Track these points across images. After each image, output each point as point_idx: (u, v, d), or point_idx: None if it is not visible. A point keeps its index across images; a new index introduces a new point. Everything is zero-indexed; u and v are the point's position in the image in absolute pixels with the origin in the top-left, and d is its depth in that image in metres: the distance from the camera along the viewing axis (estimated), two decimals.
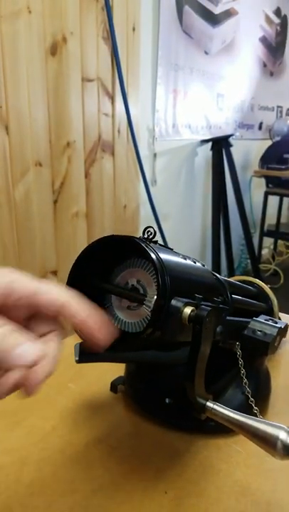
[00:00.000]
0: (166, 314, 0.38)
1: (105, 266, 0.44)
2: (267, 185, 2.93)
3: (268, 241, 3.46)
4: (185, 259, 0.46)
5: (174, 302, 0.38)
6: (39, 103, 1.44)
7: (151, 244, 0.40)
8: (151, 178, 2.15)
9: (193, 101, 2.33)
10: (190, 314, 0.38)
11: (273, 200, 3.13)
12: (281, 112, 3.33)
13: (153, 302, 0.38)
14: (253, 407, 0.54)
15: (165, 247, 0.44)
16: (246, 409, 0.55)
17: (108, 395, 0.60)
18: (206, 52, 2.34)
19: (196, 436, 0.53)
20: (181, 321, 0.38)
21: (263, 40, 2.87)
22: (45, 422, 0.55)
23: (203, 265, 0.50)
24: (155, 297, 0.38)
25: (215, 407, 0.42)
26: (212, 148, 2.52)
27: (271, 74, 3.07)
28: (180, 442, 0.52)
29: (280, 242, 3.54)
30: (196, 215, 2.70)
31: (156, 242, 0.43)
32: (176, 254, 0.45)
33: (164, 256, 0.40)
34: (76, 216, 1.69)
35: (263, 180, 3.00)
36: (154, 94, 2.06)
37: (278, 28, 3.00)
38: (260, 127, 3.09)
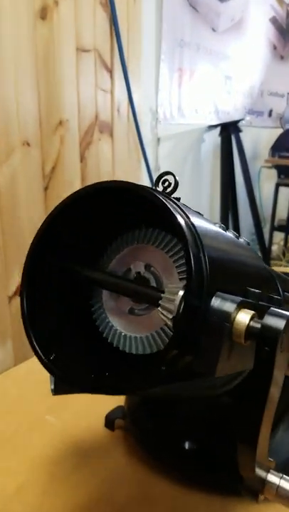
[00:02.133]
0: (203, 324, 0.20)
1: (92, 242, 0.27)
2: (279, 176, 2.76)
3: (278, 236, 3.27)
4: (225, 230, 0.28)
5: (216, 302, 0.20)
6: (26, 73, 1.27)
7: (174, 201, 0.23)
8: (154, 164, 1.96)
9: (200, 82, 2.16)
10: (249, 325, 0.20)
11: (284, 194, 2.95)
12: None
13: (178, 301, 0.20)
14: None
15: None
16: None
17: (102, 433, 0.43)
18: (214, 30, 2.16)
19: (229, 498, 0.36)
20: (230, 338, 0.20)
21: (274, 21, 2.70)
22: (8, 478, 0.37)
23: (248, 243, 0.32)
24: (181, 293, 0.20)
25: (283, 483, 0.24)
26: (220, 133, 2.35)
27: (281, 57, 2.89)
28: (207, 506, 0.35)
29: None
30: (203, 205, 2.52)
31: (178, 200, 0.25)
32: (209, 221, 0.27)
33: (196, 221, 0.22)
34: None
35: (272, 172, 2.82)
36: (158, 72, 1.88)
37: None
38: (269, 114, 2.91)
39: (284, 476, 0.24)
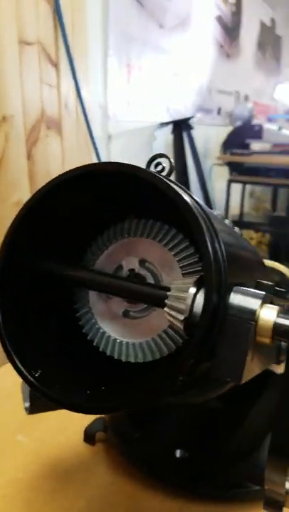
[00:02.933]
0: (223, 324, 0.17)
1: (73, 239, 0.23)
2: (230, 173, 2.80)
3: None
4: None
5: (237, 297, 0.17)
6: None
7: (177, 183, 0.19)
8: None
9: (150, 79, 2.14)
10: (277, 323, 0.17)
11: (236, 190, 3.01)
12: (239, 97, 3.22)
13: (190, 299, 0.18)
14: None
15: None
16: None
17: (82, 450, 0.39)
18: (161, 26, 2.16)
19: (230, 506, 0.33)
20: (254, 338, 0.17)
21: (219, 19, 2.74)
22: None
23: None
24: (193, 290, 0.18)
25: None
26: (173, 131, 2.35)
27: (228, 56, 2.94)
28: None
29: (244, 231, 3.43)
30: None
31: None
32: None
33: (204, 207, 0.19)
34: (17, 206, 1.42)
35: (223, 170, 2.87)
36: (106, 67, 1.84)
37: (233, 8, 2.88)
38: (218, 112, 2.95)
39: None
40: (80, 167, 0.20)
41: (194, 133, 2.45)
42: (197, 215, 0.17)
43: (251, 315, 0.17)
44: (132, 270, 0.22)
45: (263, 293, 0.17)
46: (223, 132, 2.88)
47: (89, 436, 0.39)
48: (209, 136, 2.96)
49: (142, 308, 0.22)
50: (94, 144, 1.72)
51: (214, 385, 0.21)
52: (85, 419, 0.40)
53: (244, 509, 0.33)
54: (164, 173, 0.22)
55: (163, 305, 0.19)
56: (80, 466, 0.37)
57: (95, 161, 1.77)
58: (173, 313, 0.18)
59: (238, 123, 2.87)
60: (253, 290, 0.17)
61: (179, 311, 0.18)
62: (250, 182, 2.73)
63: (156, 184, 0.18)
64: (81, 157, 1.70)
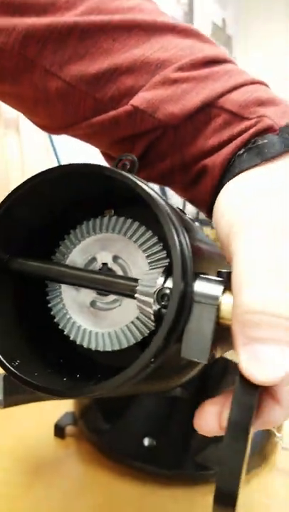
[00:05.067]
0: (189, 311, 0.19)
1: (44, 233, 0.24)
2: None
3: None
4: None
5: (201, 285, 0.19)
6: None
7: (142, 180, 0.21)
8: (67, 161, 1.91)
9: None
10: None
11: None
12: None
13: (156, 289, 0.19)
14: (274, 435, 0.37)
15: None
16: (265, 438, 0.38)
17: (54, 444, 0.40)
18: None
19: (195, 488, 0.35)
20: (218, 321, 0.19)
21: (172, 19, 2.78)
22: None
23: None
24: (161, 280, 0.19)
25: None
26: None
27: None
28: (174, 502, 0.34)
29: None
30: None
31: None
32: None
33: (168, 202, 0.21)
34: None
35: None
36: None
37: (186, 8, 2.93)
38: None
39: None
40: (46, 171, 0.21)
41: None
42: (162, 208, 0.18)
43: (214, 300, 0.18)
44: (105, 264, 0.23)
45: (223, 280, 0.19)
46: None
47: (59, 431, 0.40)
48: None
49: (109, 300, 0.23)
50: (52, 142, 1.70)
51: (184, 367, 0.22)
52: (55, 415, 0.41)
53: (209, 490, 0.35)
54: (129, 168, 0.23)
55: (133, 296, 0.20)
56: (52, 459, 0.38)
57: (54, 159, 1.75)
58: (143, 302, 0.20)
59: None
60: (215, 278, 0.19)
61: (149, 300, 0.19)
62: None
63: (125, 181, 0.19)
64: (40, 156, 1.68)
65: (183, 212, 0.26)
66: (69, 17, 0.24)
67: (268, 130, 0.22)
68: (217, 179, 0.24)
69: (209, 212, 0.25)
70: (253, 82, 0.25)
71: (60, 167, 0.20)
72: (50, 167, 0.20)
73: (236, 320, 0.17)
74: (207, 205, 0.25)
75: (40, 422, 0.41)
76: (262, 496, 0.35)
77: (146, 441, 0.37)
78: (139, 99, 0.24)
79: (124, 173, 0.20)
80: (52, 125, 0.29)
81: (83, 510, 0.33)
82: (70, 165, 0.20)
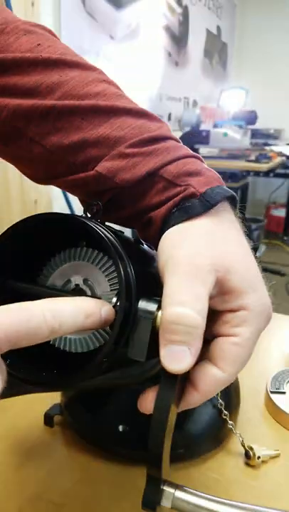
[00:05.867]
0: (134, 322, 0.26)
1: (28, 260, 0.31)
2: None
3: None
4: (139, 242, 0.34)
5: (142, 303, 0.26)
6: None
7: (102, 225, 0.28)
8: None
9: None
10: None
11: None
12: (188, 102, 3.35)
13: (111, 306, 0.26)
14: (227, 422, 0.44)
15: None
16: (220, 425, 0.45)
17: (42, 431, 0.47)
18: (112, 37, 2.23)
19: None
20: (154, 330, 0.26)
21: (167, 28, 2.85)
22: None
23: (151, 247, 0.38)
24: (114, 299, 0.26)
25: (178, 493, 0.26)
26: None
27: (176, 64, 3.06)
28: (143, 478, 0.41)
29: None
30: None
31: (104, 223, 0.30)
32: (129, 238, 0.33)
33: (122, 241, 0.28)
34: None
35: None
36: None
37: (180, 17, 2.99)
38: (169, 118, 3.07)
39: (185, 488, 0.26)
40: (25, 219, 0.28)
41: None
42: (111, 248, 0.26)
43: (151, 314, 0.26)
44: (77, 285, 0.31)
45: (158, 299, 0.26)
46: None
47: (48, 419, 0.47)
48: None
49: None
50: None
51: (131, 365, 0.29)
52: (44, 406, 0.48)
53: (173, 468, 0.42)
54: (96, 213, 0.30)
55: None
56: (41, 444, 0.45)
57: None
58: None
59: (187, 128, 2.99)
60: (152, 298, 0.26)
61: None
62: None
63: (84, 227, 0.26)
64: None
65: (141, 243, 0.34)
66: (49, 100, 0.32)
67: (192, 195, 0.30)
68: (159, 227, 0.31)
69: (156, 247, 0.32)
70: (186, 156, 0.32)
71: (37, 216, 0.27)
72: (30, 215, 0.27)
73: (161, 327, 0.25)
74: (155, 244, 0.32)
75: (31, 413, 0.48)
76: (215, 474, 0.42)
77: (120, 428, 0.44)
78: (102, 167, 0.31)
79: (85, 220, 0.27)
80: (36, 177, 0.37)
81: (65, 485, 0.40)
82: (45, 214, 0.27)
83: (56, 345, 0.30)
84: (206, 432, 0.45)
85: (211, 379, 0.27)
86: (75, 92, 0.32)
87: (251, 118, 3.39)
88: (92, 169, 0.32)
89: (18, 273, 0.30)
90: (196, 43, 3.31)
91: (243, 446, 0.44)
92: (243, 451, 0.43)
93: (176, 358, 0.24)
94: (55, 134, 0.32)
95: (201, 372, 0.27)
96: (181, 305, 0.25)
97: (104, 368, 0.26)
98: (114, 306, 0.26)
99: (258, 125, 3.58)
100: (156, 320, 0.26)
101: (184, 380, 0.27)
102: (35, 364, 0.28)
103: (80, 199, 0.36)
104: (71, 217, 0.27)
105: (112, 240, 0.26)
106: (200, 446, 0.44)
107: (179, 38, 3.03)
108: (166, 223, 0.31)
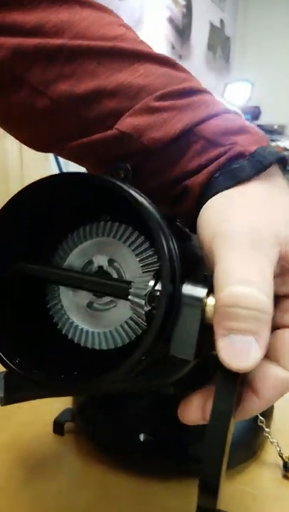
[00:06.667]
0: (177, 312, 0.20)
1: (43, 236, 0.25)
2: None
3: None
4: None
5: (187, 288, 0.20)
6: None
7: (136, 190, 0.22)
8: (66, 166, 1.92)
9: None
10: None
11: None
12: None
13: (147, 291, 0.20)
14: (264, 429, 0.39)
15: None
16: (254, 432, 0.39)
17: (51, 440, 0.41)
18: None
19: (191, 482, 0.37)
20: (203, 321, 0.20)
21: (170, 21, 2.79)
22: None
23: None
24: (152, 282, 0.20)
25: None
26: None
27: (180, 57, 3.00)
28: (172, 497, 0.35)
29: None
30: None
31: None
32: None
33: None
34: None
35: None
36: None
37: (184, 10, 2.95)
38: None
39: None
40: (47, 177, 0.22)
41: None
42: (152, 216, 0.20)
43: (199, 301, 0.20)
44: (101, 267, 0.25)
45: (208, 283, 0.21)
46: None
47: (58, 427, 0.41)
48: None
49: (105, 301, 0.25)
50: None
51: (172, 366, 0.24)
52: (54, 412, 0.42)
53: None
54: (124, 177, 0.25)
55: (126, 297, 0.22)
56: (51, 455, 0.40)
57: (54, 163, 1.75)
58: (135, 303, 0.21)
59: None
60: (201, 281, 0.21)
61: (140, 301, 0.21)
62: None
63: (112, 189, 0.21)
64: (40, 162, 1.69)
65: (176, 220, 0.28)
66: (57, 40, 0.26)
67: (239, 156, 0.25)
68: (197, 198, 0.26)
69: (190, 225, 0.26)
70: (227, 112, 0.27)
71: (61, 175, 0.22)
72: (52, 174, 0.22)
73: (217, 314, 0.19)
74: (189, 220, 0.27)
75: (39, 420, 0.43)
76: (250, 488, 0.36)
77: (142, 437, 0.38)
78: (126, 125, 0.26)
79: (117, 182, 0.21)
80: (37, 143, 0.30)
81: (81, 505, 0.35)
82: (71, 173, 0.21)
83: (76, 341, 0.25)
84: (240, 440, 0.39)
85: (274, 380, 0.21)
86: (89, 34, 0.26)
87: (255, 113, 3.33)
88: (110, 127, 0.26)
89: (28, 253, 0.24)
90: (199, 35, 3.26)
91: (281, 456, 0.38)
92: (281, 463, 0.38)
93: (239, 351, 0.19)
94: (64, 81, 0.26)
95: (260, 373, 0.21)
96: (245, 284, 0.19)
97: (140, 368, 0.20)
98: (151, 293, 0.21)
99: (261, 121, 3.52)
100: (206, 308, 0.20)
101: (242, 383, 0.21)
102: (50, 364, 0.23)
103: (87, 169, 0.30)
104: (98, 178, 0.21)
105: (152, 208, 0.21)
106: (232, 457, 0.38)
107: (182, 31, 2.98)
108: (207, 192, 0.25)
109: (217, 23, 3.63)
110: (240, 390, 0.21)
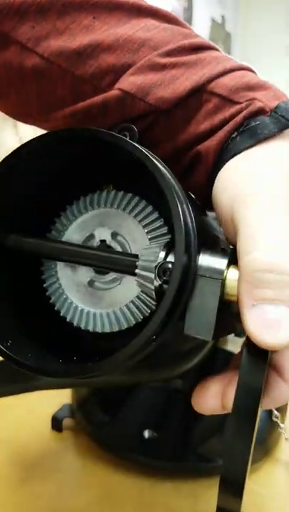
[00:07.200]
0: (193, 286, 0.17)
1: (38, 207, 0.23)
2: None
3: None
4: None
5: (205, 259, 0.18)
6: None
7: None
8: None
9: None
10: None
11: None
12: None
13: (158, 263, 0.18)
14: (278, 425, 0.36)
15: None
16: (268, 429, 0.37)
17: (49, 437, 0.38)
18: None
19: (198, 481, 0.34)
20: (222, 297, 0.18)
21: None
22: None
23: None
24: (162, 253, 0.18)
25: None
26: None
27: None
28: (176, 495, 0.33)
29: None
30: None
31: None
32: None
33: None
34: None
35: None
36: None
37: (185, 4, 2.93)
38: None
39: None
40: (42, 135, 0.19)
41: None
42: (166, 177, 0.17)
43: (219, 274, 0.17)
44: (103, 241, 0.22)
45: (228, 253, 0.18)
46: None
47: (56, 423, 0.38)
48: None
49: (108, 279, 0.22)
50: None
51: (185, 350, 0.21)
52: (52, 407, 0.40)
53: (212, 483, 0.34)
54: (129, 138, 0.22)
55: (134, 272, 0.19)
56: (49, 453, 0.37)
57: None
58: (143, 278, 0.19)
59: None
60: (218, 251, 0.18)
61: (150, 275, 0.18)
62: None
63: (126, 149, 0.18)
64: None
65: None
66: None
67: (259, 112, 0.22)
68: (211, 165, 0.23)
69: (203, 199, 0.24)
70: (241, 68, 0.24)
71: (57, 132, 0.19)
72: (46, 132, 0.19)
73: (244, 281, 0.17)
74: (201, 193, 0.24)
75: (36, 415, 0.40)
76: (264, 489, 0.34)
77: (146, 434, 0.36)
78: (128, 84, 0.23)
79: (127, 139, 0.18)
80: (25, 111, 0.27)
81: (80, 506, 0.32)
82: (68, 129, 0.19)
83: (75, 324, 0.22)
84: None
85: None
86: None
87: None
88: (109, 87, 0.23)
89: (23, 227, 0.22)
90: (200, 31, 3.23)
91: None
92: None
93: (271, 324, 0.16)
94: (56, 37, 0.23)
95: (287, 355, 0.19)
96: (275, 247, 0.17)
97: (148, 350, 0.17)
98: (162, 265, 0.18)
99: None
100: (226, 282, 0.17)
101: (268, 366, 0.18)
102: (46, 348, 0.20)
103: None
104: (104, 134, 0.18)
105: (164, 169, 0.18)
106: None
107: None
108: (223, 155, 0.22)
109: (218, 19, 3.60)
110: (267, 373, 0.18)
